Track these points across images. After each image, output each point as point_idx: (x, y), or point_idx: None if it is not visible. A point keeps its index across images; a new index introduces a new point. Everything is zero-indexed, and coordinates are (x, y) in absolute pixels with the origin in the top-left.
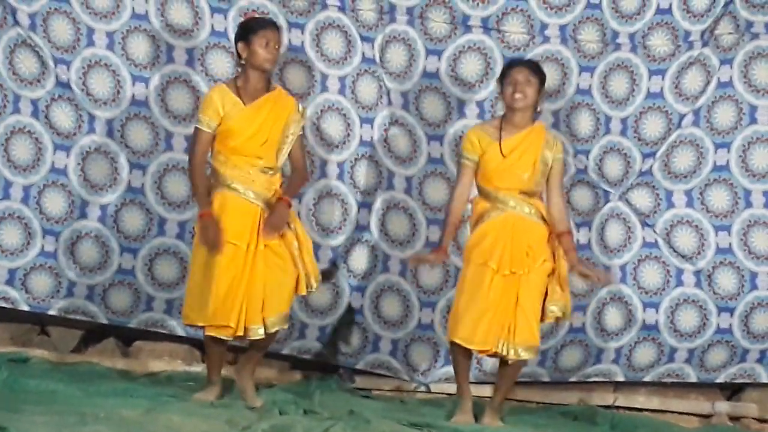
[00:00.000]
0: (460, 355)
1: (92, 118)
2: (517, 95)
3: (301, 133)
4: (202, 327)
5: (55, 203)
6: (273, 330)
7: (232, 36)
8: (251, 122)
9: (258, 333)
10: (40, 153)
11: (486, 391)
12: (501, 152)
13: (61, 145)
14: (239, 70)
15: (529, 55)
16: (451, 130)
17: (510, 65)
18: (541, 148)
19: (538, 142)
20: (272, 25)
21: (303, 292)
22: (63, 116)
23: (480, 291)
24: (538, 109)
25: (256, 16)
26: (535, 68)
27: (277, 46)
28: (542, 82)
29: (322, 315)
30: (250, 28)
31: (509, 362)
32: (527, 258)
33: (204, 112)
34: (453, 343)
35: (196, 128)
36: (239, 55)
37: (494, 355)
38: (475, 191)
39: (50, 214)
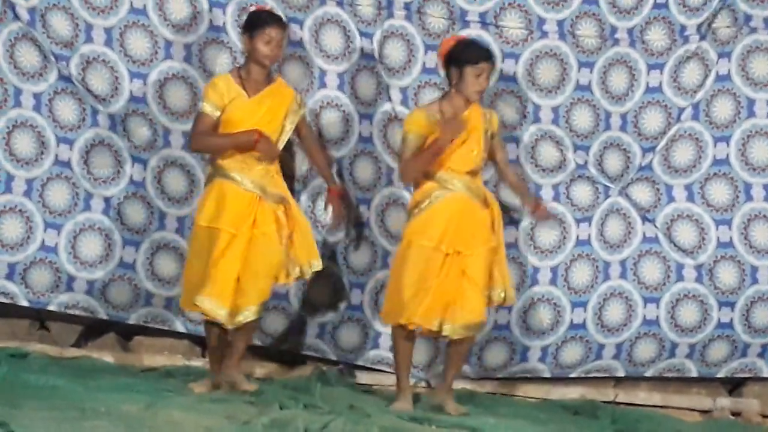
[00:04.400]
0: (404, 339)
1: (95, 111)
2: (481, 89)
3: (302, 119)
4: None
5: (59, 196)
6: (255, 318)
7: (230, 31)
8: (252, 114)
9: (248, 316)
10: (43, 146)
11: (487, 386)
12: None
13: (64, 138)
14: (237, 64)
15: (527, 51)
16: None
17: (475, 56)
18: (482, 123)
19: (479, 119)
20: (278, 22)
21: (282, 281)
22: (67, 109)
23: (431, 275)
24: None
25: (266, 8)
26: (494, 62)
27: (280, 44)
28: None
29: (321, 311)
30: (255, 23)
31: (456, 341)
32: (473, 239)
33: (208, 97)
34: (399, 327)
35: (199, 113)
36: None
37: (430, 332)
38: None
39: (53, 207)
